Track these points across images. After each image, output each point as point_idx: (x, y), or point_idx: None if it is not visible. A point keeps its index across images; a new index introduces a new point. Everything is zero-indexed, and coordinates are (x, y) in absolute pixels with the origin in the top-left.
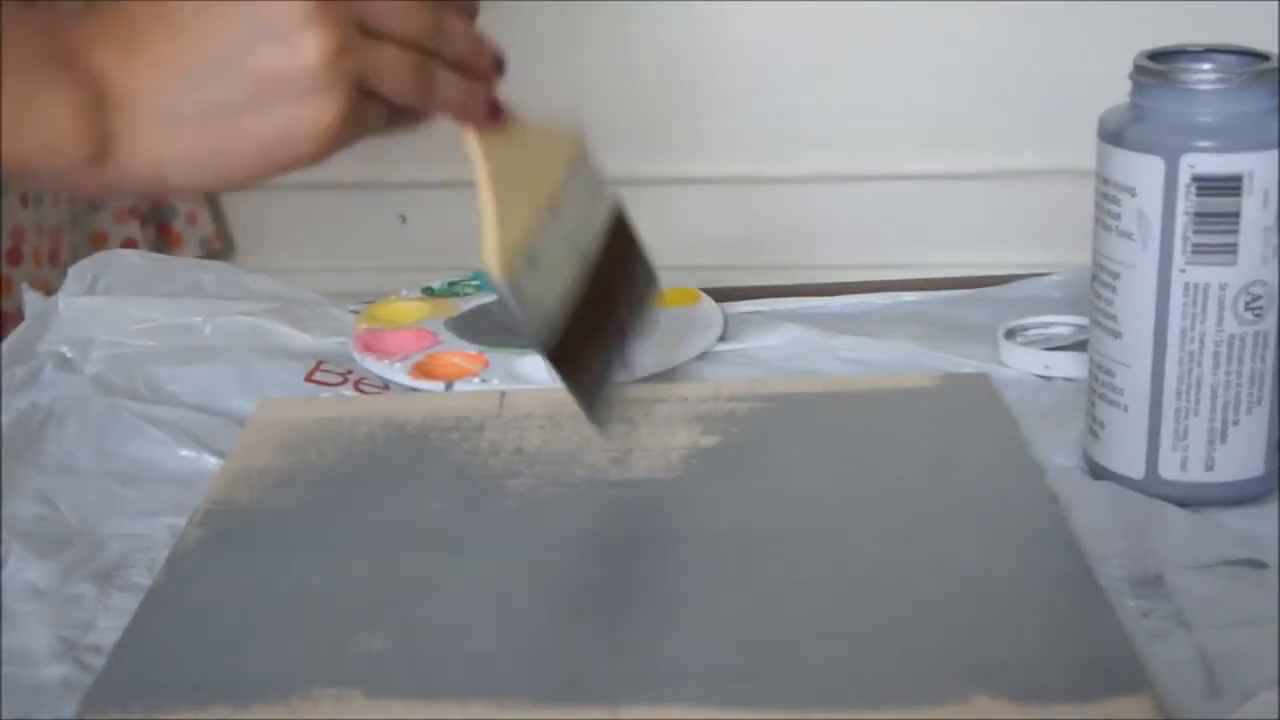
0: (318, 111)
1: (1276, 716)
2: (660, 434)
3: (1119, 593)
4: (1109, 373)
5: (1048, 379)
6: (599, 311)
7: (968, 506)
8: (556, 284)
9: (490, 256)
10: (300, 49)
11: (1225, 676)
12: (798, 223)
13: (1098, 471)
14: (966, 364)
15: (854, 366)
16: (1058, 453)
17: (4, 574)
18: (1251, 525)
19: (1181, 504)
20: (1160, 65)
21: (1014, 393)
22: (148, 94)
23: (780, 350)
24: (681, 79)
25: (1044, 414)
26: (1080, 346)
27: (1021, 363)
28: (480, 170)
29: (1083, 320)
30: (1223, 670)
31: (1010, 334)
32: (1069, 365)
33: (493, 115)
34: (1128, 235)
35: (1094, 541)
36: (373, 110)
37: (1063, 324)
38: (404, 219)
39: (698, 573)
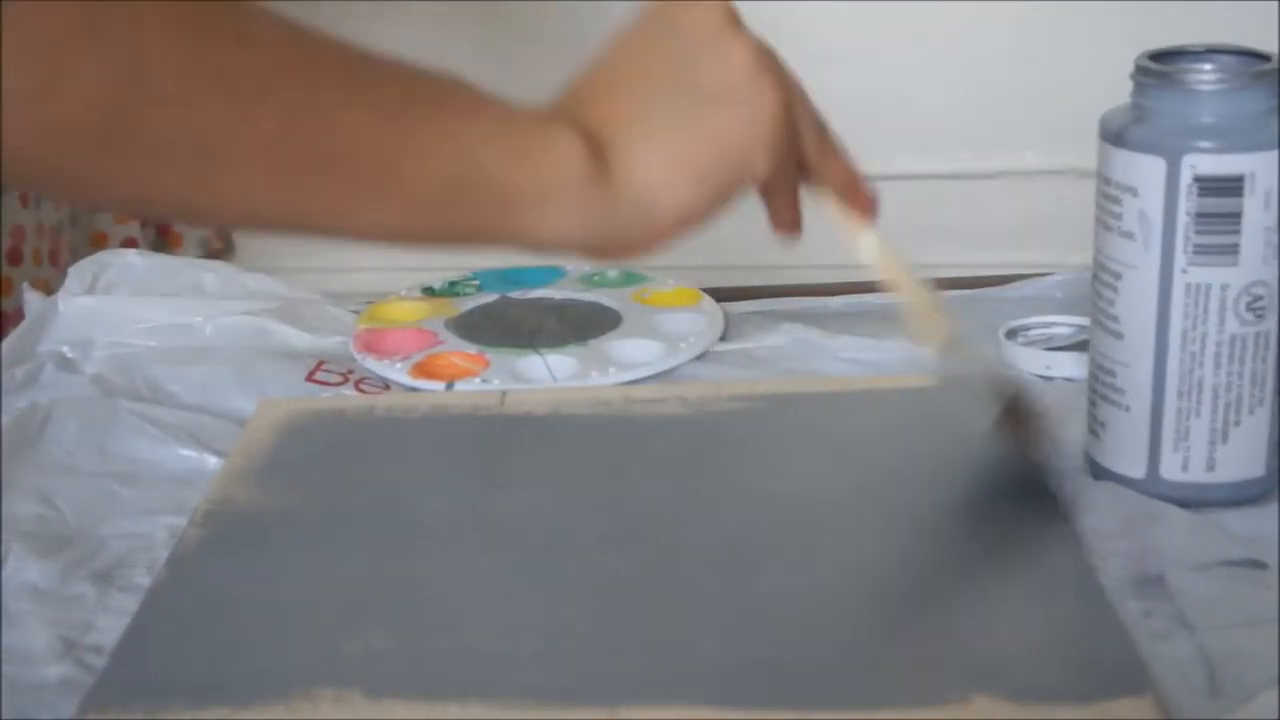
0: (758, 109)
1: (1278, 717)
2: (661, 434)
3: (1120, 593)
4: (1110, 373)
5: (1048, 379)
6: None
7: (968, 507)
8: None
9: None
10: (730, 54)
11: (1226, 677)
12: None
13: (1098, 472)
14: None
15: (854, 366)
16: (1058, 453)
17: (4, 574)
18: (1252, 526)
19: (1183, 504)
20: (1161, 66)
21: None
22: (626, 122)
23: (780, 350)
24: None
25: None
26: (1081, 347)
27: (1022, 363)
28: (891, 259)
29: (1083, 321)
30: (1224, 671)
31: (1011, 334)
32: (1070, 365)
33: (873, 207)
34: (1129, 236)
35: (1095, 542)
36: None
37: (1063, 324)
38: None
39: (698, 573)
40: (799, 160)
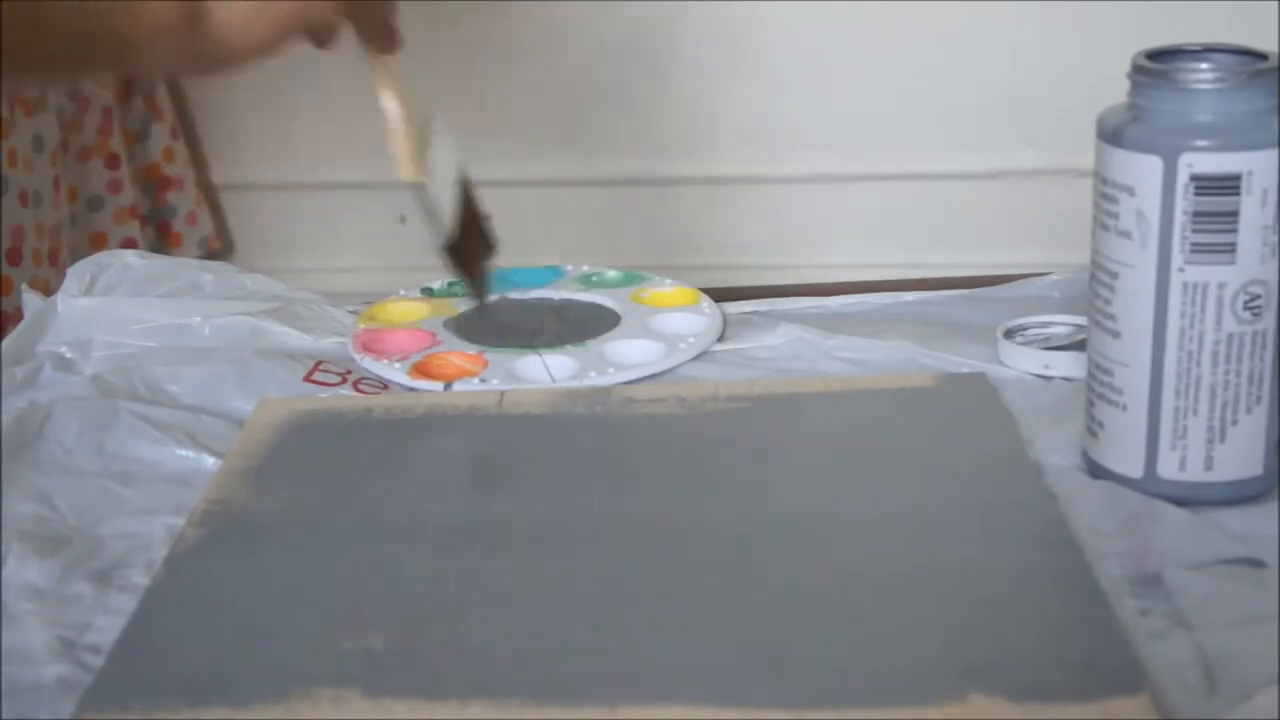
0: None
1: (1276, 716)
2: (660, 433)
3: (1117, 592)
4: (1108, 372)
5: (1047, 379)
6: (473, 225)
7: (966, 506)
8: (442, 195)
9: (406, 161)
10: None
11: (1224, 676)
12: (797, 223)
13: (1096, 471)
14: (965, 364)
15: (853, 366)
16: (1056, 452)
17: (3, 574)
18: (1250, 525)
19: (1180, 503)
20: (1159, 65)
21: (1013, 392)
22: None
23: (779, 350)
24: (681, 79)
25: (1043, 413)
26: (1079, 346)
27: (1020, 362)
28: (387, 85)
29: (1081, 320)
30: (1221, 669)
31: (1009, 334)
32: (1068, 365)
33: (394, 41)
34: (1126, 235)
35: (1093, 540)
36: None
37: (1061, 324)
38: (404, 219)
39: (697, 572)
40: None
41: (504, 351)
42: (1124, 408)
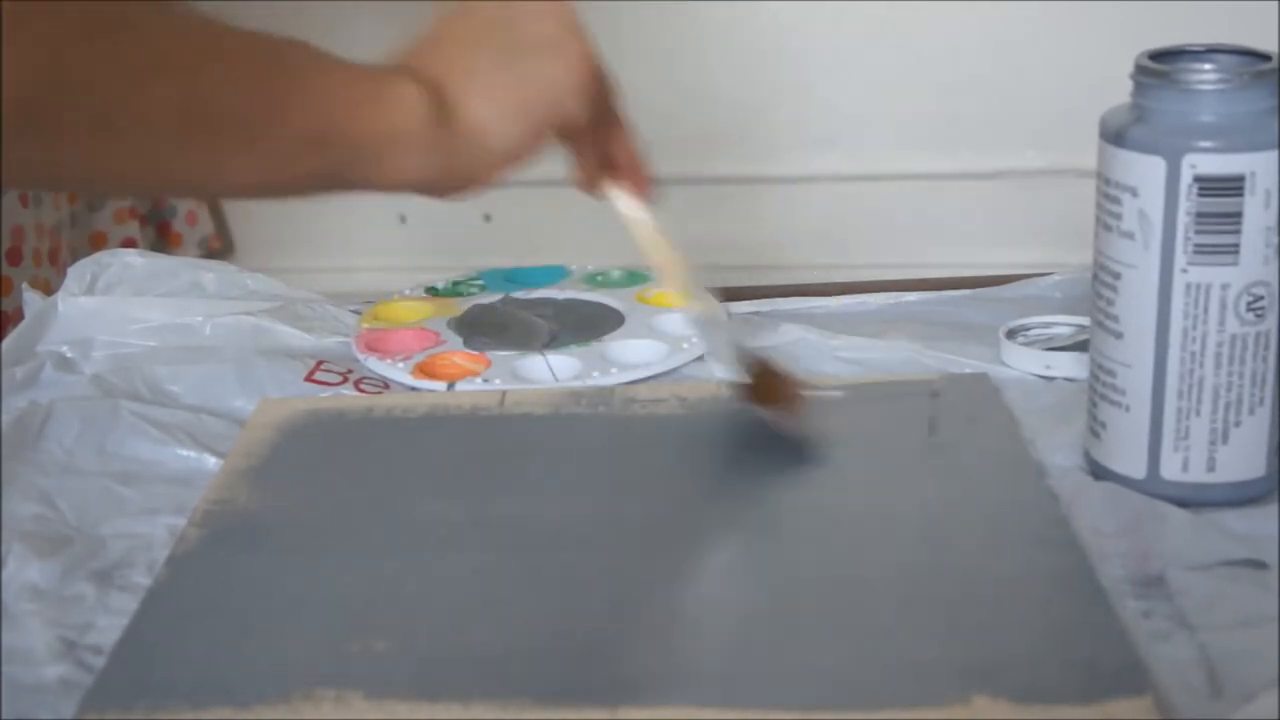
0: (571, 57)
1: (1278, 717)
2: (660, 433)
3: (1120, 593)
4: (1110, 373)
5: (1049, 379)
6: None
7: (968, 506)
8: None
9: (690, 294)
10: (544, 13)
11: (1226, 677)
12: (798, 223)
13: (1099, 472)
14: (967, 364)
15: (854, 366)
16: (1059, 453)
17: (4, 574)
18: (1252, 526)
19: (1183, 504)
20: (1161, 65)
21: (1015, 393)
22: (461, 74)
23: (781, 350)
24: (681, 80)
25: (1045, 414)
26: (1081, 347)
27: (1022, 363)
28: (657, 237)
29: (1083, 320)
30: (1224, 670)
31: (1011, 334)
32: (1070, 365)
33: (649, 187)
34: (1129, 235)
35: (1095, 541)
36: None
37: (1063, 324)
38: (404, 219)
39: (697, 572)
40: (600, 119)
41: (507, 352)
42: (1127, 408)
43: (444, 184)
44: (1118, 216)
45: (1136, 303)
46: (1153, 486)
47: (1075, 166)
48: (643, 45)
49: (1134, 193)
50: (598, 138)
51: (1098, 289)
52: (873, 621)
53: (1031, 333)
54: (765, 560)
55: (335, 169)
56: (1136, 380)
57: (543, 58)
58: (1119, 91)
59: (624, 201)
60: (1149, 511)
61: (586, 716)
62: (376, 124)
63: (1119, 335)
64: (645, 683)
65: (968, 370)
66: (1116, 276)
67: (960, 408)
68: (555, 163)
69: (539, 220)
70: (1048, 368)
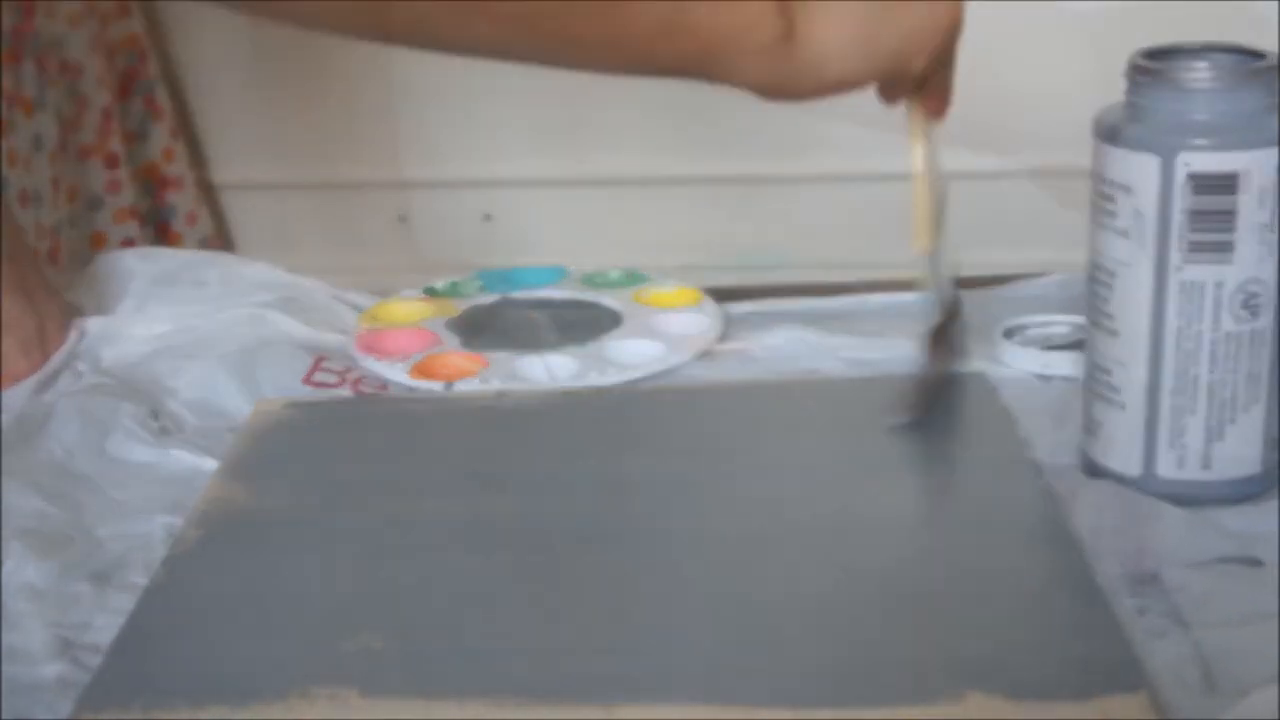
0: (937, 16)
1: (1273, 714)
2: (659, 434)
3: (1115, 590)
4: (1106, 371)
5: (1046, 378)
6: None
7: (965, 505)
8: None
9: (921, 228)
10: None
11: (1221, 674)
12: (798, 223)
13: (1095, 470)
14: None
15: (854, 366)
16: (1055, 452)
17: (2, 573)
18: (1248, 523)
19: (1179, 502)
20: (1156, 64)
21: (1012, 392)
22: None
23: (780, 350)
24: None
25: (1042, 413)
26: (1078, 346)
27: (1020, 362)
28: (924, 148)
29: (1081, 320)
30: (1219, 668)
31: (1008, 333)
32: (1068, 365)
33: (946, 107)
34: (1124, 234)
35: (1091, 539)
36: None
37: (1061, 324)
38: (404, 219)
39: (695, 571)
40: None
41: (505, 352)
42: (1122, 406)
43: (773, 90)
44: (1112, 215)
45: (1131, 301)
46: (1148, 484)
47: (1075, 166)
48: None
49: (1128, 191)
50: (925, 73)
51: (1093, 287)
52: (867, 619)
53: (1028, 332)
54: (759, 558)
55: (683, 61)
56: (1132, 378)
57: (910, 8)
58: (1117, 91)
59: (917, 117)
60: (1145, 509)
61: (582, 715)
62: (725, 26)
63: (1114, 333)
64: (643, 682)
65: (965, 369)
66: (1112, 275)
67: (957, 406)
68: (555, 163)
69: (539, 220)
70: (1045, 367)
